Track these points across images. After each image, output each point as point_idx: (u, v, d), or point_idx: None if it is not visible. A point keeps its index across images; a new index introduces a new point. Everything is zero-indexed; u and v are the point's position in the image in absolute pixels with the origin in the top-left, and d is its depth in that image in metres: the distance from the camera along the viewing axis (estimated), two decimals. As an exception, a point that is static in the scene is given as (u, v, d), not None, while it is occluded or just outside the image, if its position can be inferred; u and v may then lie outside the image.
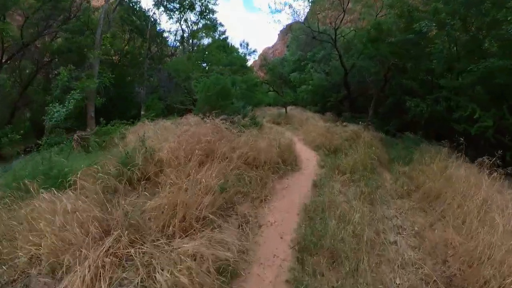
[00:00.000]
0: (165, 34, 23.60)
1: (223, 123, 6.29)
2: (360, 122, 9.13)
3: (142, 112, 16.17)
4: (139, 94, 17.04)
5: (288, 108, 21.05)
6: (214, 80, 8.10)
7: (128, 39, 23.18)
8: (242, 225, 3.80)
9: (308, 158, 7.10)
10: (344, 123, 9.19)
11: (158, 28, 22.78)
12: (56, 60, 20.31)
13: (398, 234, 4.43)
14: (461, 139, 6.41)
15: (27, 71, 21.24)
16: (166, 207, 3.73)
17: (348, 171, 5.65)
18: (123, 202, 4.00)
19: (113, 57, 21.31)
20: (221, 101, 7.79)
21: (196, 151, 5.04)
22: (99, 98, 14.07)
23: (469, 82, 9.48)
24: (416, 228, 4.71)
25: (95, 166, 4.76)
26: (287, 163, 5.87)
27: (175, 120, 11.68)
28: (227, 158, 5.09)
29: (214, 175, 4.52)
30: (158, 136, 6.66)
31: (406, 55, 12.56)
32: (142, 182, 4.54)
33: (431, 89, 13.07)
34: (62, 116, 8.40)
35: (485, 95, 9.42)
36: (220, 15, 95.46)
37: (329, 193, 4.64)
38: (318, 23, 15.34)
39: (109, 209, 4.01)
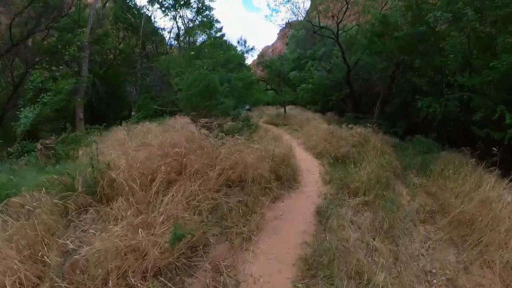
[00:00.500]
0: (161, 32, 22.33)
1: (199, 128, 5.07)
2: (368, 125, 7.87)
3: (133, 113, 14.97)
4: (131, 94, 15.84)
5: (288, 107, 19.76)
6: (198, 76, 6.86)
7: (122, 37, 21.95)
8: (211, 283, 2.60)
9: (310, 168, 5.86)
10: (350, 125, 7.94)
11: (154, 25, 21.52)
12: (47, 59, 19.16)
13: (427, 285, 3.22)
14: (494, 149, 5.14)
15: (21, 71, 20.09)
16: (101, 258, 2.55)
17: (361, 190, 4.41)
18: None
19: (105, 56, 20.14)
20: (206, 100, 6.58)
21: (162, 167, 3.85)
22: (79, 99, 12.87)
23: (490, 80, 8.18)
24: (448, 272, 3.49)
25: (32, 190, 3.60)
26: (283, 179, 4.64)
27: (163, 121, 10.50)
28: (202, 176, 3.88)
29: (179, 203, 3.34)
30: (130, 143, 5.47)
31: (415, 50, 11.24)
32: (89, 213, 3.37)
33: (442, 88, 11.76)
34: (29, 121, 7.24)
35: (504, 93, 8.15)
36: (220, 15, 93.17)
37: (338, 227, 3.42)
38: (318, 17, 14.03)
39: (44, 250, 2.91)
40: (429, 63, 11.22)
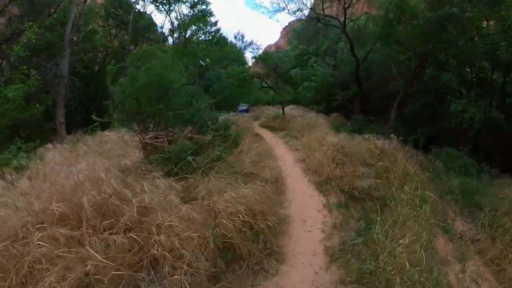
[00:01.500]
0: (155, 28, 20.10)
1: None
2: (392, 136, 5.45)
3: (115, 116, 12.81)
4: (115, 94, 13.68)
5: (288, 107, 17.24)
6: (144, 71, 4.58)
7: (115, 34, 19.85)
8: None
9: (307, 216, 3.48)
10: (366, 135, 5.54)
11: (152, 21, 19.37)
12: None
13: None
14: None
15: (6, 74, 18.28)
16: None
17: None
18: None
19: (96, 54, 18.14)
20: (156, 103, 4.32)
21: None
22: (37, 105, 10.91)
23: None
24: None
25: None
26: (249, 261, 2.31)
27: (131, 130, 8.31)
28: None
29: None
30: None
31: (441, 38, 8.57)
32: None
33: (470, 86, 9.13)
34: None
35: None
36: (221, 14, 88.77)
37: None
38: (322, 3, 11.45)
39: None
40: (459, 55, 8.59)
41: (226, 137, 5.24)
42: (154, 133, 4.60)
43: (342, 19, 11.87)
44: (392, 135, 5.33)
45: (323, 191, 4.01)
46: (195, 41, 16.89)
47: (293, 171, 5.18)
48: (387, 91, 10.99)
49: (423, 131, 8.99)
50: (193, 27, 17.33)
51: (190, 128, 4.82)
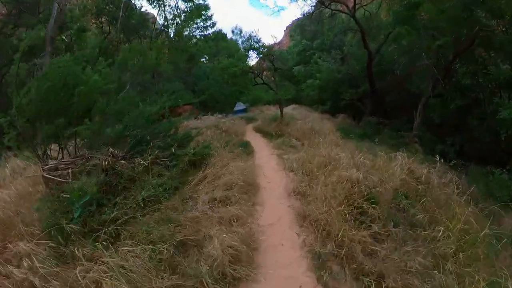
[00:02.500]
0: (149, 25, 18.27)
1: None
2: (438, 159, 3.36)
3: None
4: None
5: (290, 107, 15.11)
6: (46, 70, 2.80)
7: (108, 32, 18.16)
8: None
9: None
10: (398, 155, 3.49)
11: (138, 17, 17.56)
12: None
13: None
14: None
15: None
16: None
17: None
18: None
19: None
20: (55, 118, 2.52)
21: None
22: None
23: None
24: None
25: None
26: None
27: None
28: None
29: None
30: None
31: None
32: None
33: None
34: None
35: None
36: (223, 13, 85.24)
37: None
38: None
39: None
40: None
41: (179, 158, 3.34)
42: (54, 162, 2.78)
43: (351, 5, 9.68)
44: (437, 157, 3.28)
45: (326, 284, 2.05)
46: (187, 35, 15.02)
47: (281, 215, 3.24)
48: (405, 89, 8.80)
49: (454, 141, 6.81)
50: (185, 22, 15.40)
51: (111, 150, 2.91)
